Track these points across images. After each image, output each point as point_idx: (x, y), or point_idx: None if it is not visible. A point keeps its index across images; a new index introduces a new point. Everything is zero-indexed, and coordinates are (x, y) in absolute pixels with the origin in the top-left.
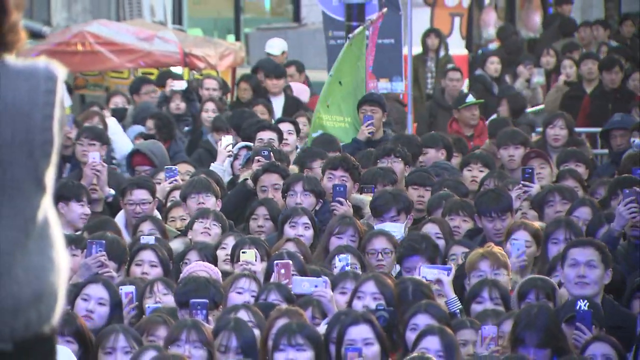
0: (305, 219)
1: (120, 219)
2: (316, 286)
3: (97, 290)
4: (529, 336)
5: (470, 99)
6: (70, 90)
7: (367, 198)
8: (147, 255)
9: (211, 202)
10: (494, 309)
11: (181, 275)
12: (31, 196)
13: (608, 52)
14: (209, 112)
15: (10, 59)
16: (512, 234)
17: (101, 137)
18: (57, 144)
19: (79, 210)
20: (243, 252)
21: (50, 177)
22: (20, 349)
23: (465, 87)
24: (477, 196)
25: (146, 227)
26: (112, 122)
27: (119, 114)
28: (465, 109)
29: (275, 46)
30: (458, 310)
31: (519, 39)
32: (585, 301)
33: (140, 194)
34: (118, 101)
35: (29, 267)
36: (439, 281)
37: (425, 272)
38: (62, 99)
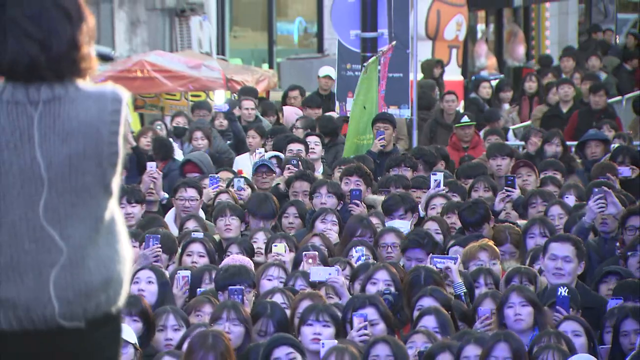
0: (333, 217)
1: (170, 215)
2: (330, 274)
3: (144, 273)
4: (514, 295)
5: (465, 119)
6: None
7: (379, 198)
8: (197, 247)
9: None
10: (492, 291)
11: (220, 266)
12: (100, 199)
13: (582, 78)
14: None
15: (83, 83)
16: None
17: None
18: (121, 155)
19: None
20: (275, 246)
21: (115, 183)
22: (91, 326)
23: (461, 108)
24: (460, 209)
25: (191, 224)
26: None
27: (180, 131)
28: (460, 128)
29: (326, 72)
30: (462, 293)
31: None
32: (565, 287)
33: (190, 192)
34: (180, 120)
35: (99, 258)
36: (447, 268)
37: (436, 261)
38: (127, 117)
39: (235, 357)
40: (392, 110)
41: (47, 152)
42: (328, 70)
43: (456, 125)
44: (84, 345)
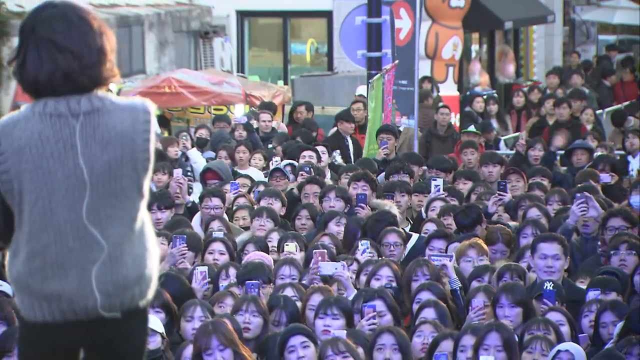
0: (344, 220)
1: (196, 219)
2: (336, 269)
3: None
4: (504, 297)
5: (472, 128)
6: (165, 121)
7: (383, 202)
8: (218, 246)
9: (277, 206)
10: (485, 286)
11: (242, 262)
12: (135, 201)
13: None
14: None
15: (113, 96)
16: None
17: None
18: (152, 160)
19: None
20: (286, 245)
21: (147, 186)
22: (125, 317)
23: (457, 121)
24: (455, 212)
25: (215, 224)
26: (194, 151)
27: (202, 142)
28: (465, 134)
29: (362, 90)
30: (458, 288)
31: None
32: (551, 282)
33: (215, 201)
34: (202, 132)
35: (134, 254)
36: (444, 265)
37: (433, 258)
38: (155, 127)
39: (253, 345)
40: (404, 120)
41: (89, 159)
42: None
43: (463, 131)
44: (119, 333)
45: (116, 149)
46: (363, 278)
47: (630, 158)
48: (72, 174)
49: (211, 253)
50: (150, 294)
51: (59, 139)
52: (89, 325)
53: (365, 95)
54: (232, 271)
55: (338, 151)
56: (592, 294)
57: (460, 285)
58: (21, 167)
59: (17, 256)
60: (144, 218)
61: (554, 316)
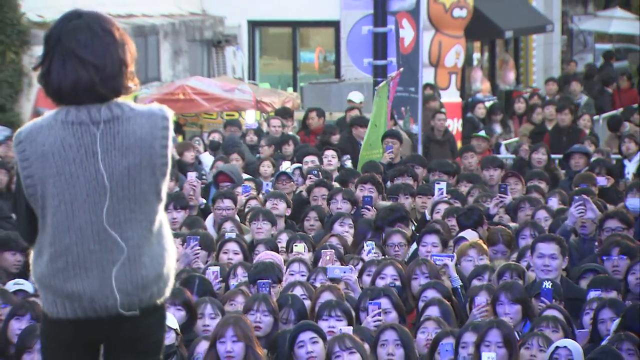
0: (349, 221)
1: (209, 220)
2: (344, 272)
3: None
4: (503, 295)
5: (482, 133)
6: (178, 126)
7: (388, 204)
8: (232, 246)
9: (282, 207)
10: (488, 284)
11: (254, 262)
12: (153, 204)
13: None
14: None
15: (132, 103)
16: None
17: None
18: (170, 165)
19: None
20: (295, 245)
21: (164, 190)
22: (143, 314)
23: (459, 126)
24: (458, 214)
25: (228, 225)
26: (206, 155)
27: (215, 145)
28: (475, 138)
29: (356, 97)
30: (459, 286)
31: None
32: (550, 281)
33: (227, 203)
34: (215, 136)
35: (153, 255)
36: (445, 265)
37: (435, 258)
38: (173, 133)
39: (264, 343)
40: (413, 126)
41: (109, 165)
42: (361, 96)
43: (472, 135)
44: (137, 330)
45: (135, 154)
46: (365, 277)
47: (626, 162)
48: (93, 179)
49: (226, 253)
50: (168, 292)
51: (80, 145)
52: (108, 322)
53: (355, 101)
54: (240, 271)
55: (348, 155)
56: (592, 294)
57: (461, 283)
58: (45, 173)
59: (40, 257)
60: (162, 219)
61: (551, 313)
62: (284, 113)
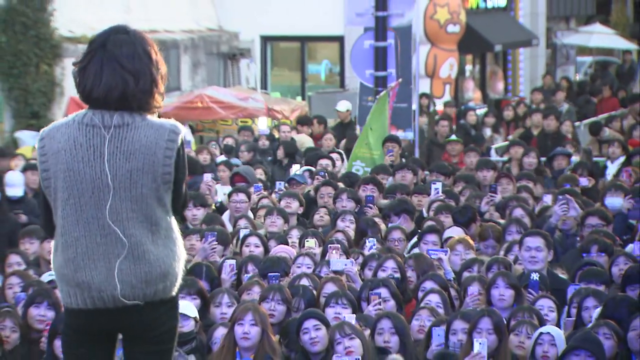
0: (350, 217)
1: (225, 216)
2: (345, 265)
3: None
4: (500, 279)
5: (454, 137)
6: (193, 131)
7: (387, 202)
8: (253, 240)
9: (295, 205)
10: (480, 275)
11: (269, 255)
12: (155, 209)
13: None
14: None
15: (150, 116)
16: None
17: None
18: (174, 177)
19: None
20: (307, 241)
21: (169, 199)
22: (151, 306)
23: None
24: (452, 211)
25: (242, 222)
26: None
27: (229, 149)
28: (448, 143)
29: (342, 105)
30: (452, 278)
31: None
32: (537, 274)
33: (241, 196)
34: (229, 140)
35: (158, 255)
36: (440, 259)
37: (431, 252)
38: (184, 147)
39: (277, 329)
40: (400, 133)
41: (114, 166)
42: (348, 105)
43: (446, 140)
44: (147, 320)
45: (138, 159)
46: (367, 271)
47: (609, 163)
48: (98, 178)
49: (247, 246)
50: (175, 290)
51: (90, 146)
52: (116, 313)
53: (341, 110)
54: (250, 267)
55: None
56: (572, 288)
57: (454, 276)
58: (57, 167)
59: (57, 249)
60: (172, 227)
61: (546, 302)
62: (305, 120)
